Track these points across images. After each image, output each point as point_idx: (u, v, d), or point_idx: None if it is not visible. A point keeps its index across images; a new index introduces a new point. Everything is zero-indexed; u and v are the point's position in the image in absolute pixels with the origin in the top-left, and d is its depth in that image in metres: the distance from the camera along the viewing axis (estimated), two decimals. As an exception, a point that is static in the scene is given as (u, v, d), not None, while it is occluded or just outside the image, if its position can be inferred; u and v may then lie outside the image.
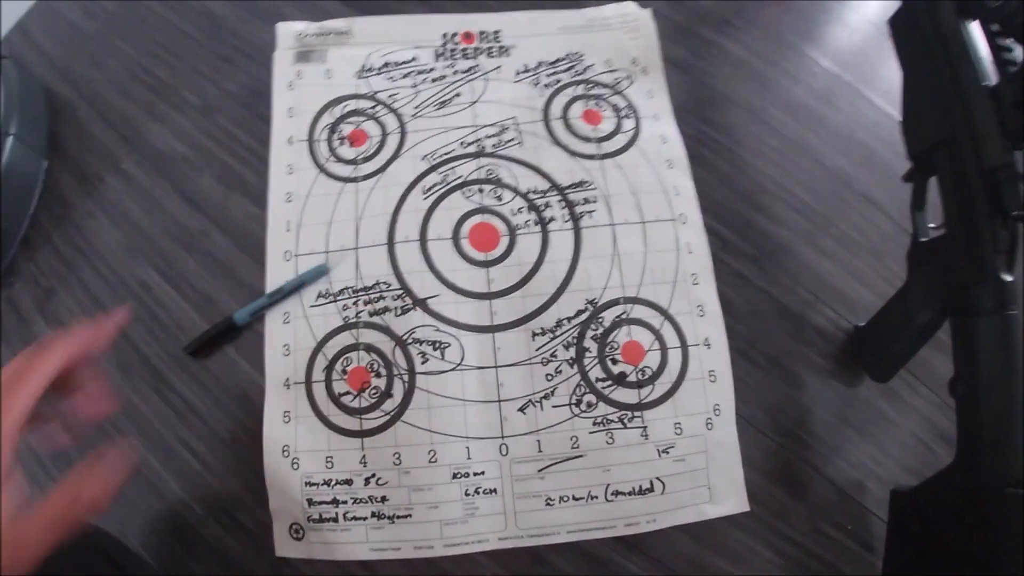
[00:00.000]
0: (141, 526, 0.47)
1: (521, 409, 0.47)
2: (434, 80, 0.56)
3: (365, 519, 0.44)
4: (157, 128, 0.58)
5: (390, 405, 0.46)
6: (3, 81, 0.58)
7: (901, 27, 0.45)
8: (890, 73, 0.61)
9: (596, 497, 0.45)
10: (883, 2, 0.65)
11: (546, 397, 0.47)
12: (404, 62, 0.57)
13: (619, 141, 0.54)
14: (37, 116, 0.59)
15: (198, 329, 0.50)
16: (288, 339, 0.48)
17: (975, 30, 0.40)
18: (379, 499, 0.45)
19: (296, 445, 0.46)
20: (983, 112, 0.38)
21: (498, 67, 0.57)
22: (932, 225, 0.45)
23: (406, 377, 0.47)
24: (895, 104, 0.60)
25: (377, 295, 0.49)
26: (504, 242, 0.51)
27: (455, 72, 0.57)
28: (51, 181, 0.58)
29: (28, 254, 0.56)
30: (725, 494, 0.46)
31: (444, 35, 0.59)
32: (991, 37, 0.39)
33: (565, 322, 0.49)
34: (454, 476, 0.45)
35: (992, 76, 0.39)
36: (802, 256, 0.53)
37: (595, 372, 0.47)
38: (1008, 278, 0.38)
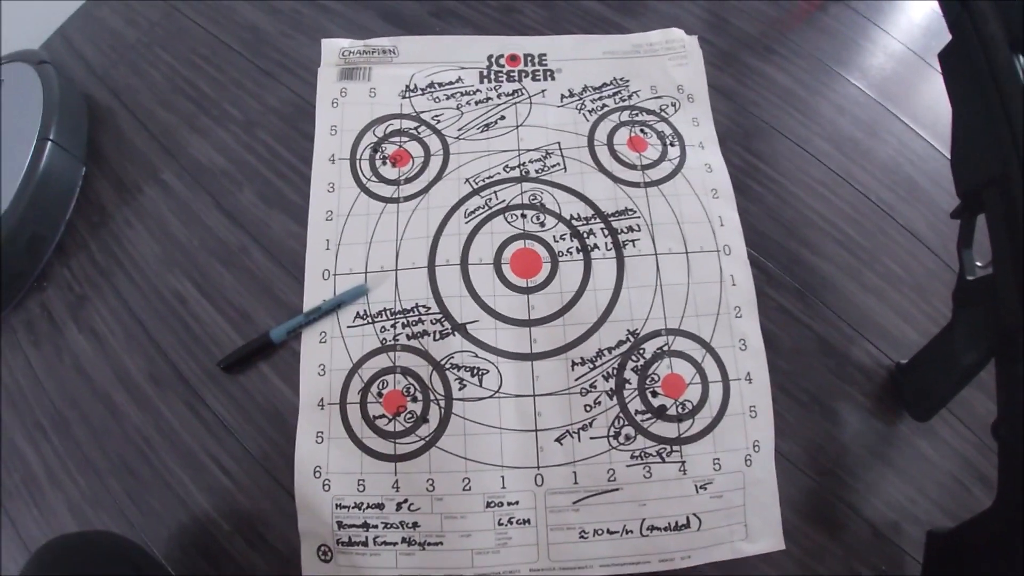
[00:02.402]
0: (167, 539, 0.48)
1: (558, 439, 0.47)
2: (478, 102, 0.57)
3: (395, 544, 0.45)
4: (198, 140, 0.59)
5: (425, 430, 0.47)
6: (43, 86, 0.60)
7: (951, 61, 0.44)
8: (936, 104, 0.61)
9: (631, 531, 0.45)
10: (929, 32, 0.65)
11: (584, 428, 0.47)
12: (449, 83, 0.58)
13: (664, 169, 0.55)
14: (77, 122, 0.61)
15: (232, 344, 0.51)
16: (324, 359, 0.49)
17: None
18: (410, 525, 0.45)
19: (328, 466, 0.46)
20: (1036, 150, 0.38)
21: (543, 91, 0.58)
22: (979, 264, 0.44)
23: (443, 403, 0.47)
24: (941, 136, 0.60)
25: (416, 318, 0.50)
26: (546, 269, 0.51)
27: (499, 95, 0.58)
28: (89, 188, 0.59)
29: (63, 260, 0.57)
30: (761, 532, 0.46)
31: (489, 57, 0.59)
32: (1043, 72, 0.38)
33: (606, 352, 0.49)
34: (487, 505, 0.45)
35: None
36: (845, 291, 0.53)
37: (635, 404, 0.47)
38: (1058, 322, 0.37)
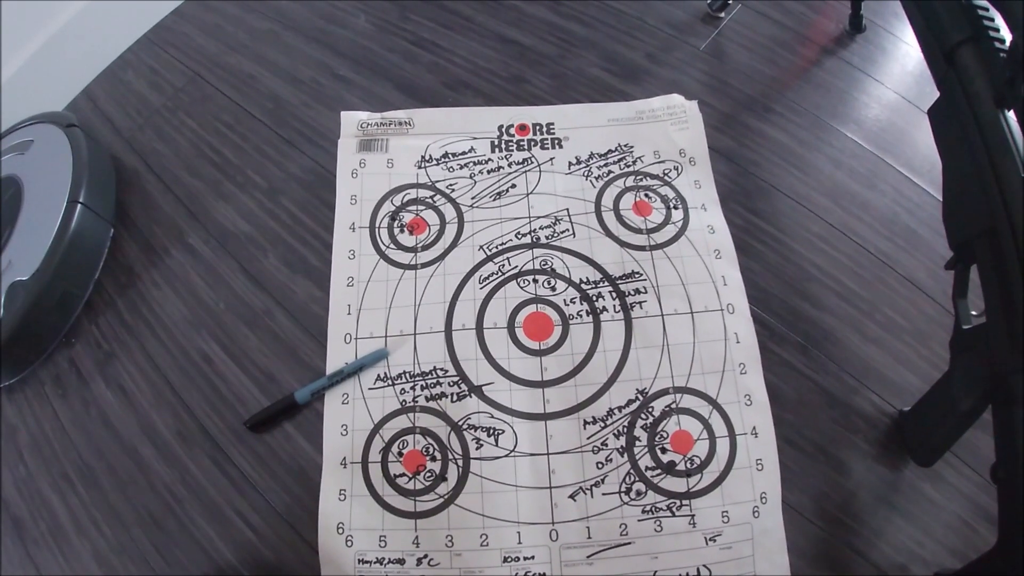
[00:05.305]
0: (192, 592, 0.50)
1: (572, 496, 0.50)
2: (490, 171, 0.61)
3: (416, 599, 0.47)
4: (223, 206, 0.63)
5: (444, 488, 0.50)
6: (73, 149, 0.64)
7: (940, 117, 0.46)
8: (931, 151, 0.61)
9: (643, 584, 0.48)
10: (923, 79, 0.68)
11: (596, 485, 0.50)
12: (462, 153, 0.62)
13: (668, 232, 0.58)
14: (105, 185, 0.64)
15: (257, 404, 0.55)
16: (346, 420, 0.52)
17: (1013, 120, 0.40)
18: (430, 580, 0.48)
19: (351, 523, 0.49)
20: (1022, 202, 0.39)
21: (551, 159, 0.62)
22: (974, 313, 0.46)
23: (460, 462, 0.51)
24: (936, 183, 0.62)
25: (434, 381, 0.53)
26: (558, 332, 0.55)
27: (510, 163, 0.62)
28: (117, 249, 0.63)
29: (91, 317, 0.60)
30: (770, 581, 0.48)
31: (500, 127, 0.64)
32: (1028, 128, 0.38)
33: (616, 411, 0.52)
34: (504, 560, 0.48)
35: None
36: (848, 343, 0.56)
37: (645, 461, 0.50)
38: (1049, 367, 0.38)
